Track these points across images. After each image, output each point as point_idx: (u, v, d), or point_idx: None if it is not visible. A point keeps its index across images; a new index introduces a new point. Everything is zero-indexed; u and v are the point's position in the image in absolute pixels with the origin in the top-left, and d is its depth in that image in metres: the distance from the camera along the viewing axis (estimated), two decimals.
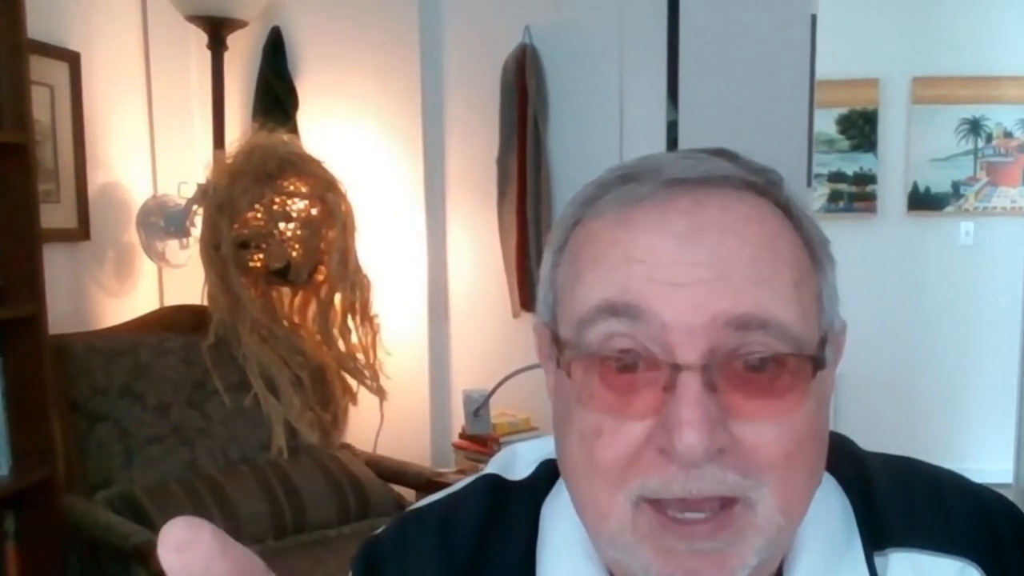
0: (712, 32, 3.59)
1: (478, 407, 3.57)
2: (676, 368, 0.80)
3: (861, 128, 6.08)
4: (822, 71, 3.98)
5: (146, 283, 4.01)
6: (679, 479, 0.80)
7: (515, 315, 3.84)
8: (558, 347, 0.88)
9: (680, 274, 0.82)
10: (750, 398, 0.82)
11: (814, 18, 3.74)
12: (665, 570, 0.83)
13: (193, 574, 0.52)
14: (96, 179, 3.71)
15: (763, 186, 0.87)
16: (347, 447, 3.72)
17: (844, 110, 6.04)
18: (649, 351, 0.82)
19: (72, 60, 3.53)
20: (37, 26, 3.12)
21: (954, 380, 5.90)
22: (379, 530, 1.06)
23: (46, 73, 3.37)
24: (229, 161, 3.59)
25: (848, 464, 1.01)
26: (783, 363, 0.82)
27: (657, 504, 0.82)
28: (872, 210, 6.04)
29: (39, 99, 3.24)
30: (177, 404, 3.34)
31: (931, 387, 5.88)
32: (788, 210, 0.88)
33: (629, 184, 0.87)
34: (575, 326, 0.86)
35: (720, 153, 0.90)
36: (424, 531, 1.02)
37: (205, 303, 3.58)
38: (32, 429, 2.93)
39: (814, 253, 0.88)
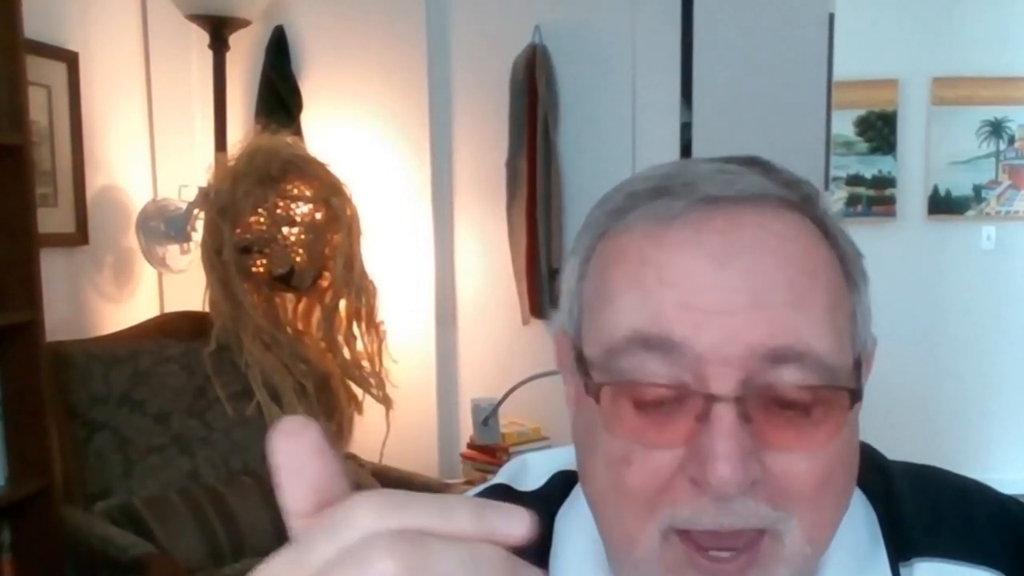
0: (727, 31, 3.58)
1: (487, 416, 3.56)
2: (710, 398, 0.80)
3: (880, 130, 6.06)
4: (840, 71, 3.97)
5: (146, 289, 4.00)
6: (710, 511, 0.80)
7: (525, 322, 3.83)
8: (583, 366, 0.87)
9: (715, 301, 0.81)
10: (784, 429, 0.81)
11: (831, 17, 3.73)
12: None
13: (294, 459, 0.54)
14: (95, 182, 3.71)
15: (799, 202, 0.86)
16: (352, 457, 3.70)
17: (862, 111, 6.02)
18: (682, 382, 0.81)
19: (70, 60, 3.53)
20: (34, 25, 3.12)
21: (976, 387, 5.88)
22: None
23: (43, 73, 3.37)
24: (231, 163, 3.59)
25: (872, 474, 1.00)
26: (818, 394, 0.81)
27: (686, 535, 0.82)
28: (891, 214, 6.02)
29: (36, 100, 3.24)
30: (178, 413, 3.33)
31: (952, 395, 5.86)
32: (824, 225, 0.87)
33: (662, 199, 0.86)
34: (604, 352, 0.85)
35: (753, 163, 0.89)
36: None
37: (206, 309, 3.57)
38: (29, 438, 2.92)
39: (848, 272, 0.88)
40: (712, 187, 0.85)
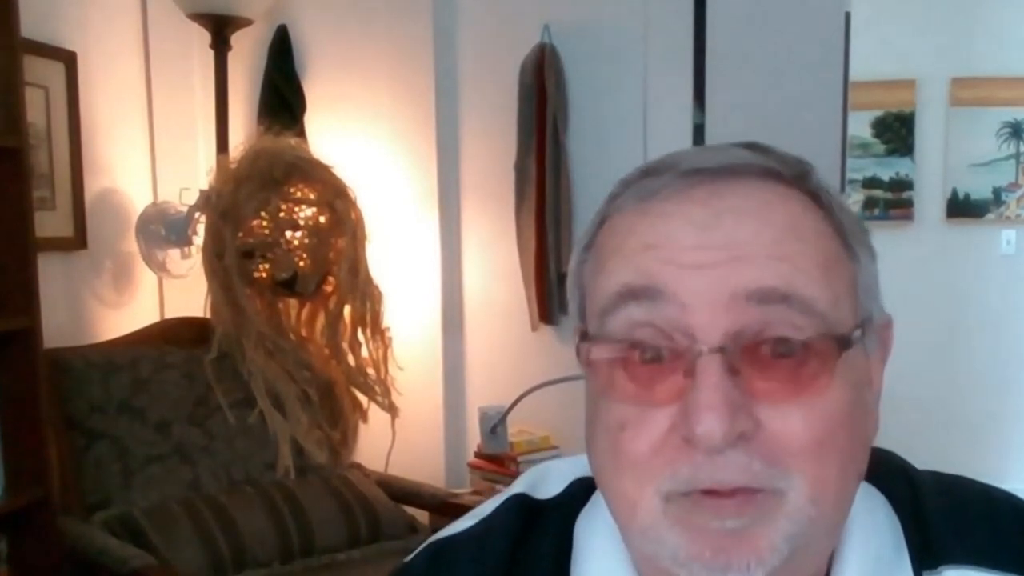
0: (741, 31, 3.58)
1: (495, 424, 3.57)
2: (697, 352, 0.82)
3: (897, 131, 6.06)
4: (856, 72, 3.97)
5: (146, 294, 4.01)
6: (705, 467, 0.82)
7: (534, 328, 3.81)
8: (582, 341, 0.90)
9: (698, 257, 0.83)
10: (774, 380, 0.83)
11: (848, 16, 3.73)
12: (694, 548, 0.84)
13: None
14: (93, 185, 3.71)
15: (789, 175, 0.89)
16: (357, 467, 3.71)
17: (879, 112, 6.01)
18: (670, 337, 0.84)
19: (68, 60, 3.54)
20: (31, 24, 3.12)
21: (996, 395, 5.86)
22: (409, 557, 1.07)
23: (41, 74, 3.38)
24: (233, 166, 3.58)
25: (897, 480, 1.02)
26: (810, 346, 0.83)
27: (686, 497, 0.84)
28: (909, 217, 6.02)
29: (33, 101, 3.25)
30: (178, 421, 3.34)
31: (972, 402, 5.84)
32: (818, 198, 0.89)
33: (648, 178, 0.90)
34: (598, 317, 0.89)
35: (748, 146, 0.92)
36: (456, 559, 1.03)
37: (208, 315, 3.57)
38: (26, 447, 2.93)
39: (846, 241, 0.89)
40: (696, 161, 0.88)
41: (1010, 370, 5.86)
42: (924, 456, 1.16)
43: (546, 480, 1.09)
